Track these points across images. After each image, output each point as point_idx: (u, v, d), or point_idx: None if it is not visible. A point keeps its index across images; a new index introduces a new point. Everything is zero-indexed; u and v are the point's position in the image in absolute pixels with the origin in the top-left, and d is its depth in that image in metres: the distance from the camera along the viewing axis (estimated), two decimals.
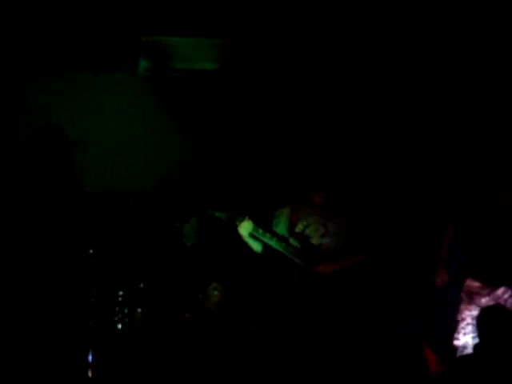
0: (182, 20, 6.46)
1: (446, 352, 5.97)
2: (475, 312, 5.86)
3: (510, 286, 5.86)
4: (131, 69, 7.06)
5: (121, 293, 6.08)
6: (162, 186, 7.02)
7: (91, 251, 5.47)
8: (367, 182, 7.12)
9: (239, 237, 5.87)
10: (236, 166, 7.22)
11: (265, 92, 7.24)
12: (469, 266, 5.93)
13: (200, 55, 6.89)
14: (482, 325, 5.21)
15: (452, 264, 6.06)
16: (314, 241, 5.91)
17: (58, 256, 5.49)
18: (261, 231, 5.86)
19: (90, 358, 5.37)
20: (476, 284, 5.92)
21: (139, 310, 6.07)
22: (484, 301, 5.87)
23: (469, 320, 5.90)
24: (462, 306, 5.95)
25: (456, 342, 5.91)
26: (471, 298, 5.93)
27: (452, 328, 5.98)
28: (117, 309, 6.03)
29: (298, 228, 5.94)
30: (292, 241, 5.92)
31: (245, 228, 5.83)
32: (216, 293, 6.18)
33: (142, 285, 6.16)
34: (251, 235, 5.86)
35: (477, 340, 5.61)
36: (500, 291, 5.88)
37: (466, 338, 5.88)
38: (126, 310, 6.04)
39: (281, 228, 5.98)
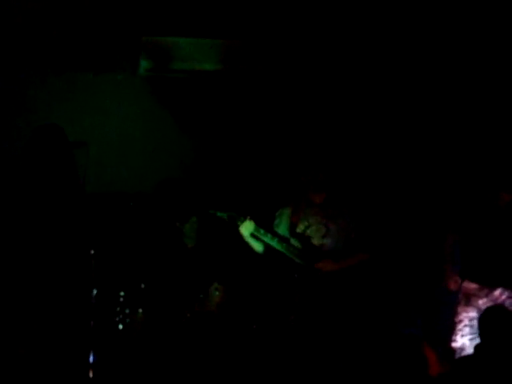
0: (182, 20, 6.46)
1: (446, 352, 5.97)
2: (472, 314, 5.88)
3: (506, 287, 5.86)
4: (132, 69, 7.05)
5: (122, 293, 6.08)
6: (162, 186, 7.03)
7: (92, 252, 5.47)
8: (368, 183, 7.13)
9: (240, 237, 5.88)
10: (237, 166, 7.22)
11: (265, 92, 7.23)
12: (466, 268, 5.94)
13: (200, 55, 6.88)
14: (483, 325, 5.22)
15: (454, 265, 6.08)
16: (315, 241, 5.91)
17: (59, 257, 5.48)
18: (262, 231, 5.86)
19: (91, 358, 5.36)
20: (473, 286, 5.93)
21: (140, 310, 6.07)
22: (481, 302, 5.87)
23: (466, 322, 5.91)
24: (460, 308, 5.96)
25: (453, 344, 5.92)
26: (468, 299, 5.93)
27: (452, 328, 5.99)
28: (118, 309, 6.03)
29: (299, 228, 5.94)
30: (293, 241, 5.92)
31: (246, 228, 5.83)
32: (217, 293, 6.18)
33: (143, 285, 6.16)
34: (252, 235, 5.87)
35: (474, 341, 5.65)
36: (497, 292, 5.88)
37: (463, 339, 5.89)
38: (127, 311, 6.04)
39: (282, 228, 5.98)
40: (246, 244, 5.92)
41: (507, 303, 5.83)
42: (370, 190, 7.02)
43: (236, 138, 7.24)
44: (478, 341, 5.56)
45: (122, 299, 6.05)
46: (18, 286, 5.44)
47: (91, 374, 5.36)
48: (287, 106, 7.25)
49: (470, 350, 5.70)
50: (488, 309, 5.43)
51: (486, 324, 5.22)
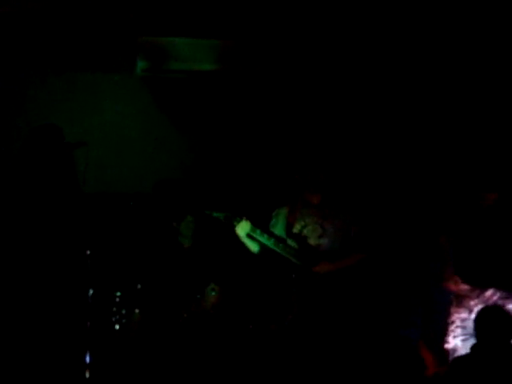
0: (179, 20, 6.46)
1: (441, 353, 5.96)
2: (464, 315, 5.86)
3: (497, 287, 5.85)
4: (129, 69, 7.06)
5: (118, 293, 6.08)
6: (159, 186, 7.04)
7: (88, 252, 5.49)
8: (364, 183, 7.12)
9: (237, 237, 5.87)
10: (234, 166, 7.22)
11: (262, 92, 7.24)
12: (457, 269, 5.92)
13: (198, 56, 6.89)
14: (480, 326, 5.22)
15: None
16: (312, 241, 5.90)
17: (56, 257, 5.50)
18: (258, 232, 5.86)
19: (88, 358, 5.38)
20: (465, 287, 5.91)
21: (137, 310, 6.08)
22: (473, 303, 5.85)
23: (458, 323, 5.89)
24: (452, 309, 5.94)
25: (446, 345, 5.90)
26: (460, 300, 5.91)
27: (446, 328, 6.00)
28: (114, 309, 6.04)
29: (296, 228, 5.94)
30: (290, 241, 5.91)
31: (242, 228, 5.83)
32: (214, 293, 6.19)
33: (139, 285, 6.16)
34: (249, 236, 5.86)
35: (466, 342, 5.64)
36: (488, 293, 5.86)
37: (455, 340, 5.87)
38: (123, 311, 6.04)
39: (278, 228, 5.97)
40: (243, 244, 5.92)
41: (499, 304, 5.81)
42: (365, 191, 7.02)
43: (233, 138, 7.25)
44: (470, 342, 5.57)
45: (118, 299, 6.06)
46: (14, 286, 5.46)
47: (87, 375, 5.38)
48: (283, 106, 7.25)
49: (462, 351, 5.69)
50: (484, 309, 5.42)
51: (482, 324, 5.21)
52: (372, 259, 5.92)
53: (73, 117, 7.00)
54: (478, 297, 5.86)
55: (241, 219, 5.82)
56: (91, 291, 5.49)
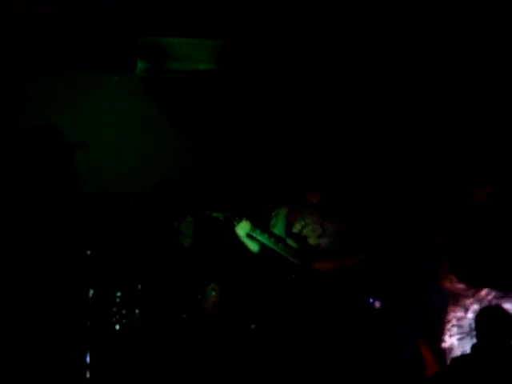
0: (179, 21, 6.45)
1: (438, 352, 5.98)
2: (460, 313, 5.87)
3: (492, 287, 5.85)
4: (129, 69, 7.06)
5: (119, 294, 6.08)
6: (159, 186, 7.04)
7: (89, 252, 5.49)
8: (364, 183, 7.12)
9: (237, 237, 5.88)
10: (234, 166, 7.22)
11: (261, 92, 7.24)
12: (453, 269, 5.93)
13: (197, 56, 6.88)
14: (480, 325, 5.22)
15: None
16: (312, 241, 5.91)
17: (56, 257, 5.50)
18: (258, 231, 5.86)
19: (88, 358, 5.38)
20: (461, 286, 5.91)
21: (137, 310, 6.08)
22: (468, 302, 5.86)
23: (454, 321, 5.89)
24: (448, 308, 5.95)
25: (442, 344, 5.91)
26: (456, 299, 5.92)
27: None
28: (115, 310, 6.04)
29: (296, 228, 5.94)
30: (289, 241, 5.91)
31: (242, 228, 5.83)
32: (214, 293, 6.19)
33: (139, 286, 6.16)
34: (249, 235, 5.87)
35: (462, 341, 5.65)
36: (483, 292, 5.86)
37: (451, 339, 5.87)
38: (123, 311, 6.04)
39: (278, 228, 5.98)
40: (243, 244, 5.93)
41: (494, 303, 5.82)
42: (365, 191, 7.02)
43: (232, 138, 7.26)
44: (466, 340, 5.59)
45: (118, 299, 6.05)
46: (15, 286, 5.45)
47: (88, 375, 5.38)
48: (283, 106, 7.26)
49: (458, 350, 5.71)
50: (484, 309, 5.43)
51: (483, 324, 5.21)
52: (372, 259, 5.93)
53: (73, 117, 7.01)
54: (473, 296, 5.86)
55: (241, 219, 5.83)
56: (91, 291, 5.48)
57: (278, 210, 6.04)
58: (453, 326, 5.88)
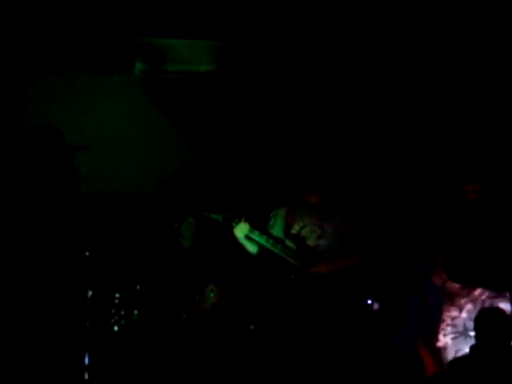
0: (177, 22, 6.46)
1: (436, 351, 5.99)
2: (454, 313, 5.89)
3: (486, 287, 5.85)
4: (128, 70, 7.07)
5: (117, 295, 6.09)
6: (159, 187, 7.05)
7: (87, 253, 5.49)
8: (362, 184, 7.12)
9: (235, 239, 5.88)
10: (232, 167, 7.22)
11: (260, 93, 7.24)
12: (448, 268, 5.94)
13: (196, 57, 6.89)
14: (479, 327, 5.22)
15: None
16: (310, 242, 5.91)
17: (55, 258, 5.50)
18: (257, 233, 5.86)
19: (87, 360, 5.38)
20: (455, 285, 5.92)
21: (136, 311, 6.09)
22: (463, 302, 5.87)
23: (448, 321, 5.90)
24: (443, 308, 5.96)
25: (437, 343, 5.92)
26: (451, 299, 5.93)
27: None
28: (113, 311, 6.05)
29: (294, 229, 5.94)
30: (288, 242, 5.92)
31: (241, 230, 5.83)
32: (212, 294, 6.20)
33: (138, 287, 6.17)
34: (247, 237, 5.87)
35: (456, 340, 5.67)
36: (477, 292, 5.88)
37: (446, 338, 5.88)
38: (122, 312, 6.05)
39: (277, 229, 5.98)
40: (241, 246, 5.93)
41: (487, 303, 5.83)
42: (364, 191, 7.02)
43: (231, 138, 7.25)
44: (460, 340, 5.61)
45: (117, 301, 6.07)
46: (13, 286, 5.46)
47: (86, 376, 5.38)
48: (282, 107, 7.25)
49: (452, 349, 5.73)
50: (483, 311, 5.44)
51: (482, 326, 5.21)
52: (370, 259, 5.93)
53: (72, 117, 7.00)
54: (467, 295, 5.87)
55: (239, 221, 5.83)
56: (90, 292, 5.48)
57: (276, 211, 6.04)
58: (447, 325, 5.90)
